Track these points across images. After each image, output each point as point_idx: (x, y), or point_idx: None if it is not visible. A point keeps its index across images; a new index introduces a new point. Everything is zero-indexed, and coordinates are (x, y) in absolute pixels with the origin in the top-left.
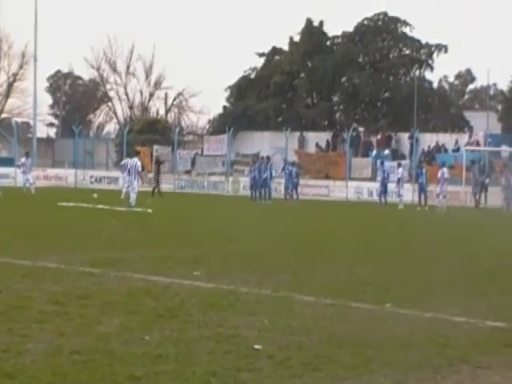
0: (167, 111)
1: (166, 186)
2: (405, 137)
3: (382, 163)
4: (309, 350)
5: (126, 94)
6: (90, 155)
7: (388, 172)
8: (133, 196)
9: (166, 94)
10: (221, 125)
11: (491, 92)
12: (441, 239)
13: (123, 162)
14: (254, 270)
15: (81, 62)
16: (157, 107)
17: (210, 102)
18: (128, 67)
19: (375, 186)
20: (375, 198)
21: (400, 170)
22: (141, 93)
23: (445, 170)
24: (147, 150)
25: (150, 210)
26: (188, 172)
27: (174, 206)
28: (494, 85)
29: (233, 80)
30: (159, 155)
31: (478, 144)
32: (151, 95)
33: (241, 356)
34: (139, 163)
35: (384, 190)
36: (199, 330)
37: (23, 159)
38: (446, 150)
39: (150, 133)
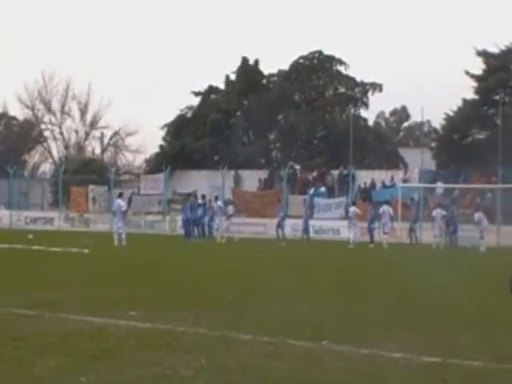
0: (103, 150)
1: (103, 225)
2: (340, 173)
3: (305, 200)
4: None
5: (62, 134)
6: (24, 196)
7: (318, 209)
8: (117, 237)
9: (102, 134)
10: (157, 164)
11: (425, 129)
12: (377, 275)
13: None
14: (190, 309)
15: (15, 102)
16: (93, 146)
17: (147, 141)
18: (63, 106)
19: (312, 223)
20: (312, 235)
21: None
22: (76, 132)
23: (386, 207)
24: (83, 190)
25: (86, 251)
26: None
27: (110, 246)
28: (428, 122)
29: (169, 119)
30: None
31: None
32: (87, 134)
33: None
34: (122, 203)
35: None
36: (135, 371)
37: None
38: (385, 186)
39: (85, 172)
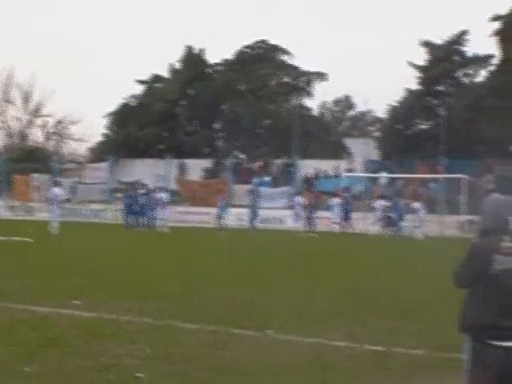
0: (47, 139)
1: (47, 214)
2: (285, 163)
3: (252, 191)
4: (191, 377)
5: (4, 122)
6: None
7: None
8: (54, 224)
9: (46, 122)
10: (102, 152)
11: (369, 119)
12: (321, 265)
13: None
14: (135, 298)
15: None
16: (36, 135)
17: (90, 129)
18: (6, 94)
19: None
20: (257, 224)
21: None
22: (19, 120)
23: (336, 199)
24: (26, 178)
25: (29, 240)
26: (68, 200)
27: (53, 235)
28: (372, 111)
29: (113, 107)
30: None
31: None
32: (30, 123)
33: None
34: (62, 192)
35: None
36: (80, 360)
37: None
38: (327, 176)
39: (28, 161)
